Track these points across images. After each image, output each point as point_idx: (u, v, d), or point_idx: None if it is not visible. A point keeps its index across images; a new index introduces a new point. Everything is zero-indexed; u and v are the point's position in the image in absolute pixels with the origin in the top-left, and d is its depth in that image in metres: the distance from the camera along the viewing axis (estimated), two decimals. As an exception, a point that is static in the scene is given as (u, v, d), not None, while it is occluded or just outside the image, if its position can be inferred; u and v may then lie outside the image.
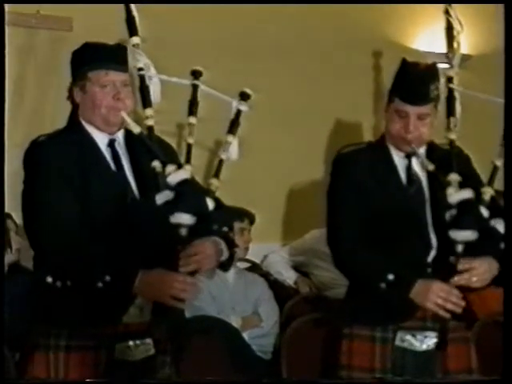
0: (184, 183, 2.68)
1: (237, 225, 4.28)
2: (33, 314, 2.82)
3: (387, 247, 2.97)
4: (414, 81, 2.99)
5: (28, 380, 2.76)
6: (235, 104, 2.85)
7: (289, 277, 4.67)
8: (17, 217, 3.78)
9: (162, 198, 2.68)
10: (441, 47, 4.90)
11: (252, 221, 4.46)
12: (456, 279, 2.88)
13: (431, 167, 2.95)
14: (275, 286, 4.48)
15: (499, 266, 2.93)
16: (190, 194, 2.68)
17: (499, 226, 2.89)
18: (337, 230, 3.04)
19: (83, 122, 2.82)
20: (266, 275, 4.57)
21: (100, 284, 2.64)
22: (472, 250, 2.89)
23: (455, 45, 3.12)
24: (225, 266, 2.87)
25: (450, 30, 3.14)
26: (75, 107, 2.84)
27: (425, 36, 5.16)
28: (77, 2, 4.22)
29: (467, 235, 2.85)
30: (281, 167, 4.90)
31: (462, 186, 2.92)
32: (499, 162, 2.99)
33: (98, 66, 2.78)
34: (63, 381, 2.73)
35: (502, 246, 2.91)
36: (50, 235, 2.69)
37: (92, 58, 2.79)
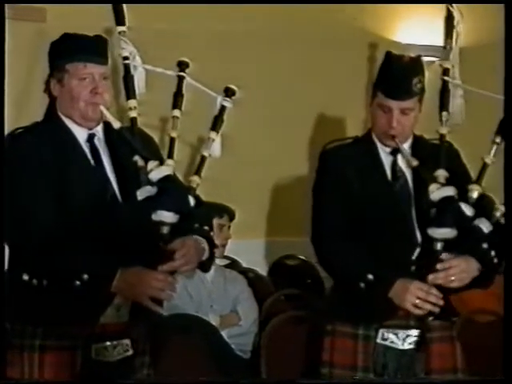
0: (166, 179, 2.64)
1: (216, 221, 4.23)
2: (7, 312, 2.74)
3: (372, 244, 2.95)
4: (396, 75, 2.95)
5: (27, 380, 2.70)
6: (219, 100, 2.80)
7: None
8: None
9: (143, 193, 2.64)
10: (423, 39, 4.93)
11: (232, 217, 4.41)
12: (432, 278, 2.86)
13: (415, 163, 2.93)
14: (255, 283, 4.43)
15: (480, 267, 2.91)
16: (172, 192, 2.64)
17: (483, 225, 2.87)
18: (320, 226, 3.02)
19: (61, 116, 2.76)
20: (245, 272, 4.52)
21: (78, 283, 2.58)
22: (452, 248, 2.86)
23: (454, 35, 3.06)
24: (205, 265, 2.82)
25: (449, 19, 3.09)
26: (53, 100, 2.78)
27: (406, 29, 5.14)
28: (75, 2, 4.13)
29: (445, 233, 2.83)
30: (264, 163, 4.87)
31: (449, 182, 2.89)
32: (489, 160, 2.95)
33: (76, 58, 2.72)
34: (65, 380, 2.69)
35: (485, 245, 2.90)
36: (25, 231, 2.63)
37: (70, 50, 2.73)
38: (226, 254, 4.52)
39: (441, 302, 2.87)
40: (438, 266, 2.84)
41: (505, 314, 2.63)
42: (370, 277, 2.88)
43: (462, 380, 2.99)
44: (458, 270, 2.86)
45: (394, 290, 2.87)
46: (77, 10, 4.08)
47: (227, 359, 3.95)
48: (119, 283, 2.60)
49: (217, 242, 4.18)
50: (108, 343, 2.71)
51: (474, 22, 4.27)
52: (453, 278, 2.86)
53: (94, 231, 2.63)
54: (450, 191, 2.85)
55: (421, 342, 2.95)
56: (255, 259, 4.90)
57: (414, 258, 2.95)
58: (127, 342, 2.73)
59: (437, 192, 2.85)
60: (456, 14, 3.07)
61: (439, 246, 2.84)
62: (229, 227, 4.40)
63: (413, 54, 3.07)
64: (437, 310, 2.87)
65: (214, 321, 4.04)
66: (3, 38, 2.66)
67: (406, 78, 2.94)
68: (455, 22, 3.08)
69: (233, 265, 4.69)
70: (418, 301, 2.86)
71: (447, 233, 2.82)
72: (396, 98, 2.93)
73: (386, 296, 2.88)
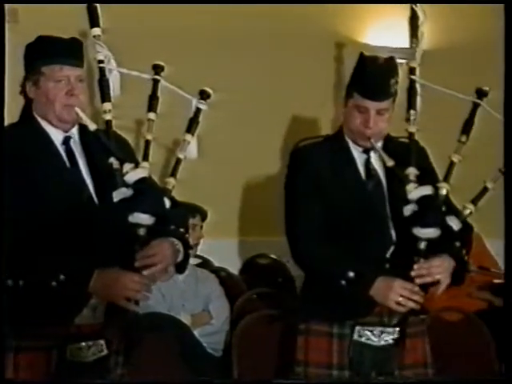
0: (142, 182, 2.64)
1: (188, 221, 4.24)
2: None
3: (346, 242, 2.96)
4: (374, 76, 2.96)
5: (28, 380, 2.70)
6: (195, 102, 2.80)
7: None
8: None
9: (118, 195, 2.64)
10: (391, 41, 4.99)
11: (204, 217, 4.43)
12: (419, 279, 2.87)
13: (391, 163, 2.93)
14: (226, 282, 4.45)
15: (455, 265, 2.93)
16: (148, 194, 2.64)
17: (452, 222, 2.89)
18: (295, 224, 3.01)
19: (37, 117, 2.76)
20: (217, 271, 4.55)
21: (54, 283, 2.59)
22: (432, 247, 2.88)
23: (419, 35, 3.09)
24: (180, 267, 2.84)
25: (413, 19, 3.10)
26: (28, 102, 2.78)
27: (375, 30, 5.18)
28: (72, 2, 4.11)
29: (430, 232, 2.84)
30: (236, 163, 4.89)
31: (419, 180, 2.91)
32: (456, 158, 2.99)
33: (52, 60, 2.72)
34: (69, 380, 2.69)
35: (457, 244, 2.93)
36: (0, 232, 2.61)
37: (46, 52, 2.73)
38: (198, 253, 4.55)
39: (422, 300, 2.89)
40: (424, 266, 2.86)
41: (505, 313, 2.68)
42: (351, 274, 2.87)
43: (463, 380, 3.02)
44: (441, 269, 2.88)
45: (376, 287, 2.88)
46: (50, 10, 4.07)
47: (199, 357, 3.96)
48: (96, 284, 2.61)
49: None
50: (83, 344, 2.71)
51: (437, 23, 4.33)
52: (438, 276, 2.87)
53: (71, 232, 2.64)
54: (428, 190, 2.86)
55: (398, 339, 2.96)
56: (227, 258, 4.93)
57: (388, 255, 2.96)
58: (102, 342, 2.74)
59: (415, 191, 2.86)
60: (420, 14, 3.10)
61: (423, 245, 2.85)
62: (201, 227, 4.42)
63: (384, 56, 3.10)
64: (418, 307, 2.90)
65: (185, 320, 4.06)
66: (3, 37, 2.66)
67: (384, 79, 2.96)
68: (419, 22, 3.11)
69: (204, 264, 4.72)
70: (401, 298, 2.87)
71: (431, 232, 2.83)
72: (374, 99, 2.94)
73: (367, 293, 2.88)
